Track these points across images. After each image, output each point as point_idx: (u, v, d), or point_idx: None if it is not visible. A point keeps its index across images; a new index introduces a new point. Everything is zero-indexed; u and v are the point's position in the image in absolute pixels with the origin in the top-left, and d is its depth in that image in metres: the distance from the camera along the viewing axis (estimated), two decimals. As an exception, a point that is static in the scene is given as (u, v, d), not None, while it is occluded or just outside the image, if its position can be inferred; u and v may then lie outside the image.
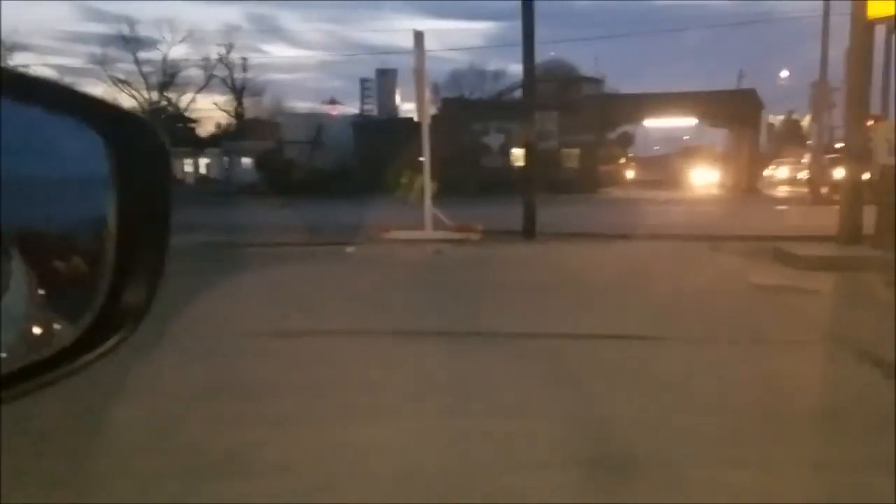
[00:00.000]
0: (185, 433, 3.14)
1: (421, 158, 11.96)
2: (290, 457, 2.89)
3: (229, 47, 42.33)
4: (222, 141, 42.43)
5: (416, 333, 5.15)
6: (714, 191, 31.61)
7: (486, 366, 4.29)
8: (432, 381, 4.01)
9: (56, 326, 0.69)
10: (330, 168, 30.55)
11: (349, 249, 10.23)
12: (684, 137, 47.91)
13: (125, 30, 40.83)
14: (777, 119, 49.99)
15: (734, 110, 30.59)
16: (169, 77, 42.63)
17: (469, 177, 25.30)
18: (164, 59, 41.92)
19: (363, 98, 50.28)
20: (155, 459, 2.85)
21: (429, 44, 16.35)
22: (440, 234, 11.20)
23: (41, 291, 0.71)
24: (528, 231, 11.91)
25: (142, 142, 0.66)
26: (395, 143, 18.33)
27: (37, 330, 0.71)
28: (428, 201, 11.61)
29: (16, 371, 0.60)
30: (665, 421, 3.30)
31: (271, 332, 5.07)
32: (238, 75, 43.53)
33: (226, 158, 42.15)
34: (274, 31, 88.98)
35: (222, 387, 3.83)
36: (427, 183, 11.73)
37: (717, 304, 6.32)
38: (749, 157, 31.36)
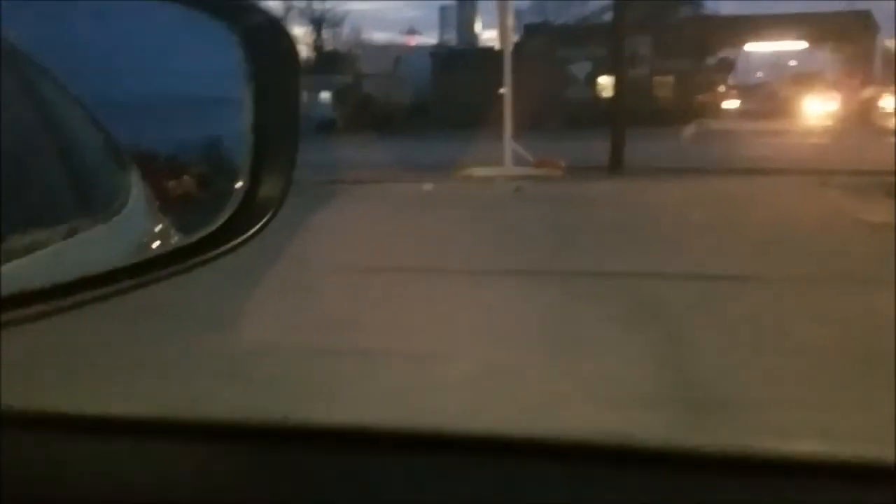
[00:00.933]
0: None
1: (501, 91, 11.46)
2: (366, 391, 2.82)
3: (308, -23, 42.02)
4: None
5: (491, 273, 5.00)
6: (823, 122, 29.44)
7: (565, 306, 4.10)
8: (507, 320, 3.89)
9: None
10: (408, 102, 30.22)
11: (427, 187, 10.01)
12: (790, 63, 44.80)
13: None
14: (894, 43, 45.88)
15: (846, 33, 28.13)
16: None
17: (553, 109, 24.41)
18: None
19: (443, 28, 49.13)
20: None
21: (512, -33, 15.50)
22: (520, 171, 10.78)
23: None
24: (615, 166, 11.30)
25: (274, 38, 0.68)
26: (475, 75, 17.76)
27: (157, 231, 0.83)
28: (508, 136, 11.15)
29: (165, 254, 0.71)
30: (755, 363, 3.12)
31: (351, 269, 5.05)
32: (317, 6, 43.26)
33: (304, 93, 42.40)
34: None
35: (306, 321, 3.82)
36: (508, 116, 11.25)
37: (822, 242, 5.83)
38: (862, 84, 28.97)
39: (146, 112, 0.96)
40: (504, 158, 11.10)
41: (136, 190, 0.99)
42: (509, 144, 11.13)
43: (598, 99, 25.80)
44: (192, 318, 3.55)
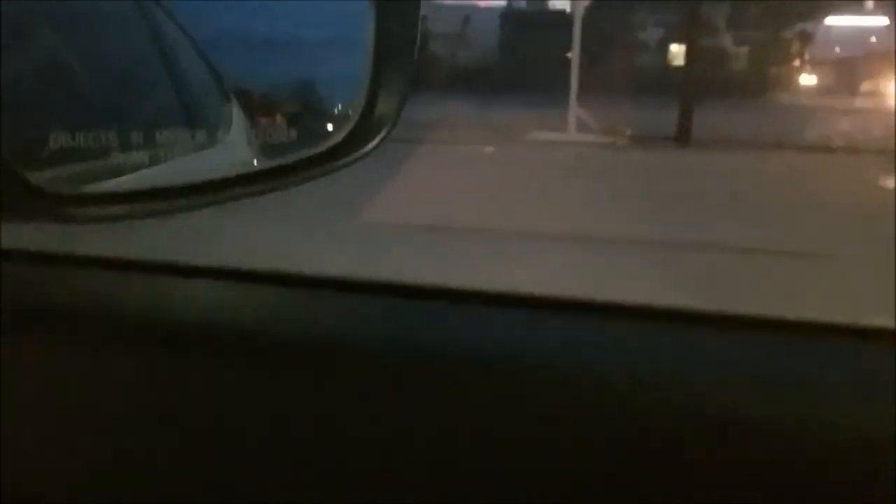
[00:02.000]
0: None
1: (569, 55, 11.26)
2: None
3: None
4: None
5: (544, 237, 5.00)
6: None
7: (628, 274, 4.05)
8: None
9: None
10: (474, 63, 29.87)
11: (488, 149, 9.99)
12: (871, 39, 42.49)
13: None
14: None
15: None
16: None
17: (622, 75, 23.85)
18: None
19: (515, -11, 48.12)
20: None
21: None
22: (584, 137, 10.63)
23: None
24: (683, 137, 11.02)
25: None
26: (544, 37, 17.44)
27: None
28: (573, 101, 10.99)
29: (285, 164, 0.71)
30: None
31: (411, 226, 5.18)
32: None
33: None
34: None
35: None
36: (574, 81, 11.07)
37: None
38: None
39: (245, 49, 1.01)
40: (568, 124, 10.96)
41: (237, 122, 1.04)
42: (574, 110, 10.97)
43: (668, 67, 25.04)
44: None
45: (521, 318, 0.56)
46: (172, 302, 0.63)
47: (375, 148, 0.68)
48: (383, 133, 0.68)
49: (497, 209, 6.04)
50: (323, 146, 0.71)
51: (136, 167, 0.73)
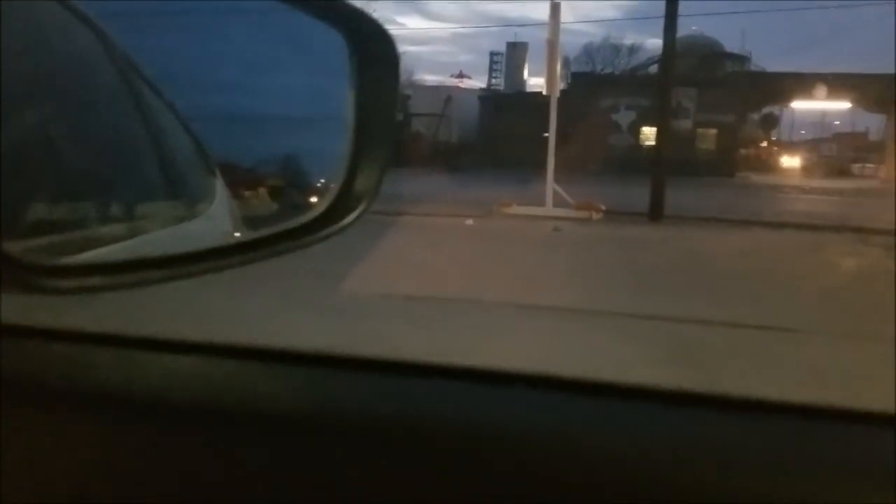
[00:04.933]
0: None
1: (546, 134, 11.56)
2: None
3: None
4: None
5: (525, 307, 5.02)
6: (867, 182, 28.93)
7: (601, 345, 4.06)
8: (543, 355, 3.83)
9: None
10: (455, 141, 30.54)
11: (468, 222, 10.12)
12: (835, 123, 44.32)
13: None
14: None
15: (890, 95, 27.75)
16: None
17: (596, 155, 24.45)
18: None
19: (491, 72, 49.71)
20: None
21: (564, 16, 15.77)
22: (561, 212, 10.82)
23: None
24: (655, 213, 11.25)
25: (377, 43, 0.72)
26: (521, 118, 17.94)
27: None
28: (550, 178, 11.22)
29: (265, 236, 0.72)
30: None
31: (391, 295, 5.20)
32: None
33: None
34: (410, 2, 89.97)
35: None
36: (551, 159, 11.34)
37: (861, 298, 5.72)
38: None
39: (229, 125, 1.03)
40: (545, 199, 11.16)
41: (221, 195, 1.05)
42: (551, 186, 11.19)
43: (640, 147, 25.81)
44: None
45: (506, 394, 0.55)
46: (146, 375, 0.62)
47: (353, 223, 0.69)
48: (361, 208, 0.69)
49: (474, 279, 6.05)
50: (303, 219, 0.72)
51: (116, 239, 0.73)
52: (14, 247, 0.56)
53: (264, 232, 0.74)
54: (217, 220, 0.99)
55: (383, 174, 0.70)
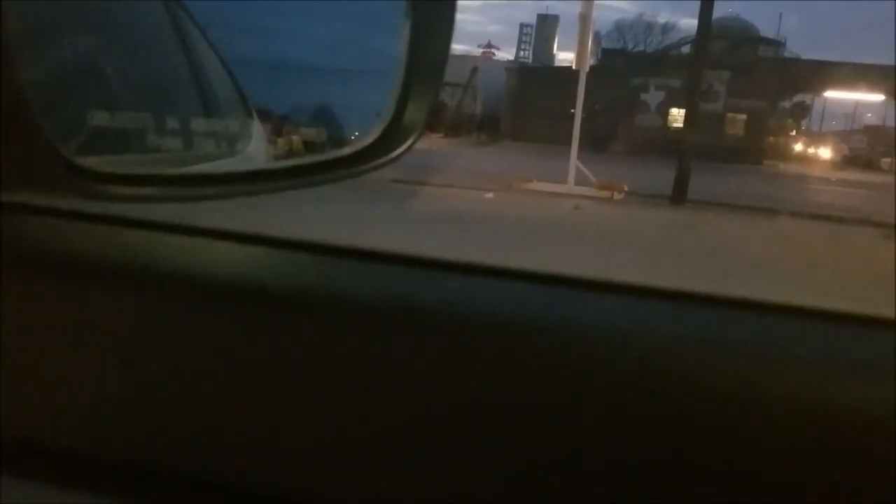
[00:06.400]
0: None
1: (572, 110, 11.45)
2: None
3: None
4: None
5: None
6: (893, 176, 28.41)
7: None
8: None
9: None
10: (479, 112, 30.30)
11: (488, 195, 10.10)
12: (867, 115, 43.43)
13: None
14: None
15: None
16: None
17: (622, 134, 24.20)
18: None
19: (520, 44, 49.13)
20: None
21: (596, -11, 15.51)
22: (582, 190, 10.76)
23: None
24: (678, 196, 11.16)
25: None
26: (547, 92, 17.76)
27: None
28: (574, 155, 11.14)
29: (316, 162, 0.77)
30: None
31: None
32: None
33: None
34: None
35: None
36: (576, 136, 11.25)
37: (877, 290, 5.68)
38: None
39: (269, 72, 1.06)
40: (567, 176, 11.10)
41: (257, 136, 1.08)
42: (574, 163, 11.12)
43: (667, 128, 25.47)
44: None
45: (516, 289, 0.58)
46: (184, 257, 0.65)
47: (401, 155, 0.70)
48: (410, 141, 0.70)
49: (485, 248, 6.08)
50: (353, 148, 0.73)
51: (167, 161, 0.76)
52: (75, 157, 0.59)
53: (312, 158, 0.76)
54: (256, 159, 1.02)
55: (431, 109, 0.71)
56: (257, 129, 1.10)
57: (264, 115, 1.10)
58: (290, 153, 0.98)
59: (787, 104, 34.69)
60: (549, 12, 43.17)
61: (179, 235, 0.63)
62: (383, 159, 0.70)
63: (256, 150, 1.07)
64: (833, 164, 30.85)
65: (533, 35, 45.92)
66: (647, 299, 0.55)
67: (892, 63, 28.35)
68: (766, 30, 35.51)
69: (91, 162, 0.64)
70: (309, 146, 1.02)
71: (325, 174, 0.71)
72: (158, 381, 0.58)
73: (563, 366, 0.51)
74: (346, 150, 0.74)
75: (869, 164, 31.76)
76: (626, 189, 11.03)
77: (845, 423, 0.47)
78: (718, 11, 21.52)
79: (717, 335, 0.52)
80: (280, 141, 1.06)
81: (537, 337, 0.53)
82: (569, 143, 11.44)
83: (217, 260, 0.63)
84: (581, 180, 11.08)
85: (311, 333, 0.56)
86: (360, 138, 0.76)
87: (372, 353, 0.55)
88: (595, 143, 12.36)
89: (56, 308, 0.60)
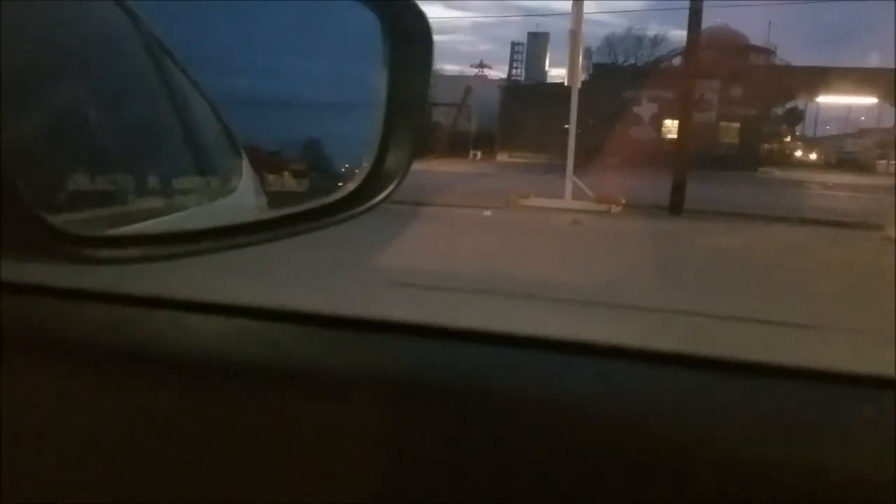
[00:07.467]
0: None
1: (566, 126, 11.51)
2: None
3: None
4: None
5: (538, 298, 5.04)
6: (889, 179, 28.50)
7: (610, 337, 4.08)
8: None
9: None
10: (474, 131, 30.46)
11: (486, 213, 10.12)
12: (860, 118, 43.69)
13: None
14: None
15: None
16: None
17: (616, 147, 24.30)
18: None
19: (512, 62, 49.47)
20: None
21: (586, 6, 15.68)
22: (580, 205, 10.78)
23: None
24: (676, 206, 11.17)
25: (411, 22, 0.72)
26: (541, 109, 17.86)
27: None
28: (570, 170, 11.17)
29: (297, 213, 0.74)
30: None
31: (404, 284, 5.24)
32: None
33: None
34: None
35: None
36: (571, 151, 11.29)
37: (879, 296, 5.68)
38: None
39: (256, 109, 1.06)
40: (564, 191, 11.12)
41: (247, 175, 1.07)
42: (570, 178, 11.15)
43: (661, 140, 25.59)
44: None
45: (522, 358, 0.57)
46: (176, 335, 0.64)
47: (383, 201, 0.69)
48: (391, 187, 0.70)
49: (486, 269, 6.07)
50: (334, 197, 0.73)
51: (149, 215, 0.75)
52: (55, 219, 0.58)
53: (296, 208, 0.75)
54: (245, 199, 1.01)
55: (413, 154, 0.70)
56: (246, 167, 1.10)
57: (253, 152, 1.10)
58: (283, 188, 0.98)
59: (780, 111, 34.90)
60: (540, 30, 43.51)
61: (153, 309, 0.63)
62: (369, 203, 0.69)
63: (247, 187, 1.06)
64: (829, 169, 30.97)
65: (525, 53, 46.33)
66: (631, 362, 0.55)
67: (884, 66, 28.57)
68: (756, 38, 35.84)
69: (74, 220, 0.63)
70: (300, 179, 1.02)
71: (311, 223, 0.71)
72: (135, 456, 0.57)
73: (537, 433, 0.50)
74: (331, 198, 0.73)
75: (865, 167, 31.87)
76: (623, 202, 11.05)
77: (844, 488, 0.45)
78: (707, 22, 21.73)
79: (714, 398, 0.51)
80: (271, 177, 1.06)
81: (511, 402, 0.52)
82: (564, 157, 11.47)
83: (191, 333, 0.62)
84: (578, 194, 11.11)
85: (286, 404, 0.55)
86: (345, 185, 0.75)
87: (345, 423, 0.54)
88: (590, 157, 12.39)
89: (29, 385, 0.59)
